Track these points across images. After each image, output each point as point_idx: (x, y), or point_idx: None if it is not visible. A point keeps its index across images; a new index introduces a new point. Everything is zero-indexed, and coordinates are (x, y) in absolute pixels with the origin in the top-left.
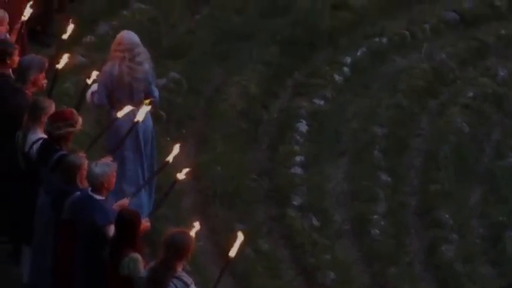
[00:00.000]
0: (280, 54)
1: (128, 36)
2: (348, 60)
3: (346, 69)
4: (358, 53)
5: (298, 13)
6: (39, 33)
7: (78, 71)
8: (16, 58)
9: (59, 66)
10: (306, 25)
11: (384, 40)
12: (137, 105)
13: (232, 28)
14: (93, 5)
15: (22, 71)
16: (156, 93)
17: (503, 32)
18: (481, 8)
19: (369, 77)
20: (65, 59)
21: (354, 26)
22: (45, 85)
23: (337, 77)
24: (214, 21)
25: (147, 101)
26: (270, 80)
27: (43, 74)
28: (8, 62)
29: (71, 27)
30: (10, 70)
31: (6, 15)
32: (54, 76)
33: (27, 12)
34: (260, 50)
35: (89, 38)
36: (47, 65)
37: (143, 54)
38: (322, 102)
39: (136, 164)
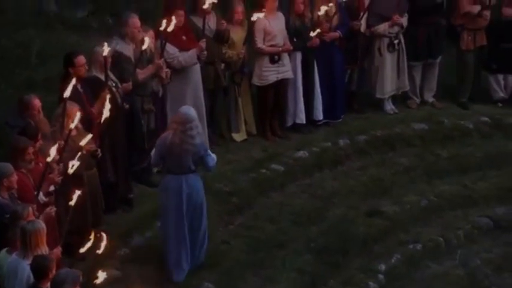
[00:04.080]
0: (315, 262)
1: (186, 110)
2: (383, 267)
3: (380, 276)
4: (393, 260)
5: (332, 221)
6: (74, 247)
7: (112, 284)
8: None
9: (97, 281)
10: (340, 233)
11: (418, 247)
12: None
13: (266, 237)
14: (127, 218)
15: (57, 285)
16: (211, 163)
17: None
18: None
19: (403, 284)
20: (102, 276)
21: (388, 233)
22: None
23: (372, 285)
24: (248, 231)
25: None
26: None
27: None
28: (50, 276)
29: (104, 243)
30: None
31: None
32: None
33: None
34: (294, 258)
35: (123, 251)
36: (81, 278)
37: (196, 129)
38: None
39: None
